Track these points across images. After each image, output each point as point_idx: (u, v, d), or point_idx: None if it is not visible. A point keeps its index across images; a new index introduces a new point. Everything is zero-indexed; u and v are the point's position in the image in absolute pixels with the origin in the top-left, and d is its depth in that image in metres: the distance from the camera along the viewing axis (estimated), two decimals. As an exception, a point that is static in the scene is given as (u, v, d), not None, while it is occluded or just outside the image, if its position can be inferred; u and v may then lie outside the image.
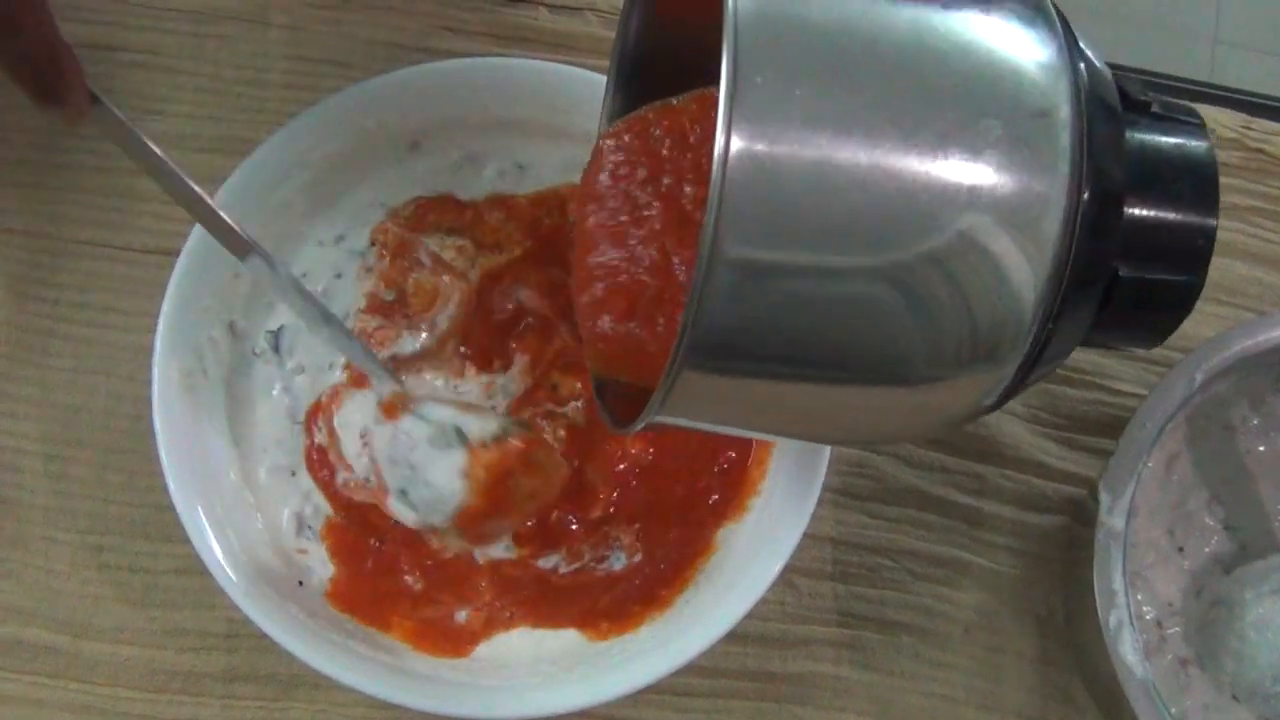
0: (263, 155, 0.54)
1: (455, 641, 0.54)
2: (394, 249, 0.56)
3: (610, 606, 0.54)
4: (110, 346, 0.58)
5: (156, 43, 0.61)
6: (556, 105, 0.56)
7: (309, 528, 0.54)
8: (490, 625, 0.54)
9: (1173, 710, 0.50)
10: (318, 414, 0.55)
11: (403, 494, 0.51)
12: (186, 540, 0.50)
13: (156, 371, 0.52)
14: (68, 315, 0.59)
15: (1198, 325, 0.62)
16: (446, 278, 0.56)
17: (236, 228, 0.49)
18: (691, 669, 0.56)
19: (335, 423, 0.54)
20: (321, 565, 0.54)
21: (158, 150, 0.47)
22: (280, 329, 0.56)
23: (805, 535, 0.58)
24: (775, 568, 0.51)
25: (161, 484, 0.50)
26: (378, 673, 0.50)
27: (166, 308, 0.52)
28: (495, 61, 0.57)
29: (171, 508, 0.50)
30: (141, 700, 0.55)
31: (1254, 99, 0.69)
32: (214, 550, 0.50)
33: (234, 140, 0.59)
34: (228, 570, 0.50)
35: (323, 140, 0.55)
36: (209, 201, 0.49)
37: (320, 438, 0.54)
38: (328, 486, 0.54)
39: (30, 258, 0.59)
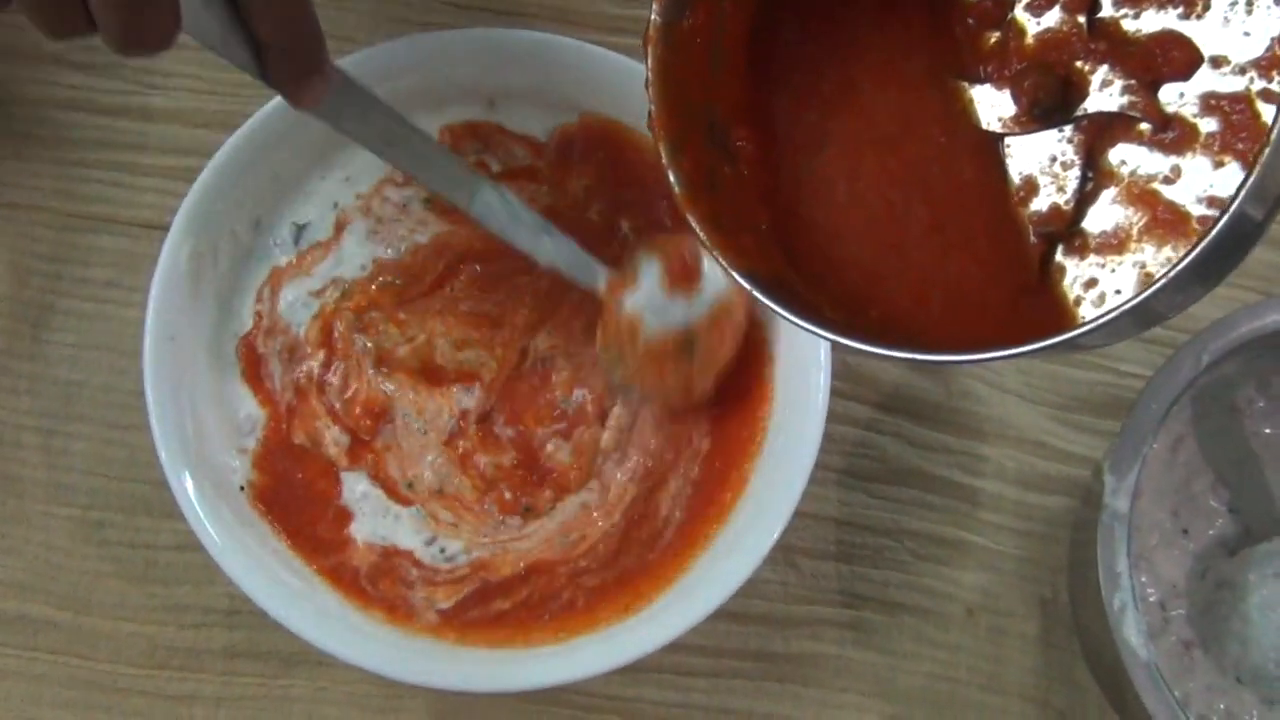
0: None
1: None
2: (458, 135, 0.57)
3: (585, 601, 0.53)
4: (112, 322, 0.58)
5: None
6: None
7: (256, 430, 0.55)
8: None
9: (1176, 692, 0.49)
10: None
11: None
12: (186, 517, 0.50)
13: (168, 248, 0.51)
14: (69, 290, 0.58)
15: (1204, 306, 0.60)
16: None
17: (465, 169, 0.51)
18: (693, 649, 0.57)
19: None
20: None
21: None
22: (306, 224, 0.55)
23: (808, 515, 0.58)
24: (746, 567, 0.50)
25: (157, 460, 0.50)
26: (375, 647, 0.50)
27: (198, 185, 0.52)
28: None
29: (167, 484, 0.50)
30: (142, 676, 0.56)
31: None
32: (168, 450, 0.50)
33: (234, 115, 0.58)
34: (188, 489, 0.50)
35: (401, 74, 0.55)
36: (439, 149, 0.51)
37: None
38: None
39: (32, 232, 0.59)
